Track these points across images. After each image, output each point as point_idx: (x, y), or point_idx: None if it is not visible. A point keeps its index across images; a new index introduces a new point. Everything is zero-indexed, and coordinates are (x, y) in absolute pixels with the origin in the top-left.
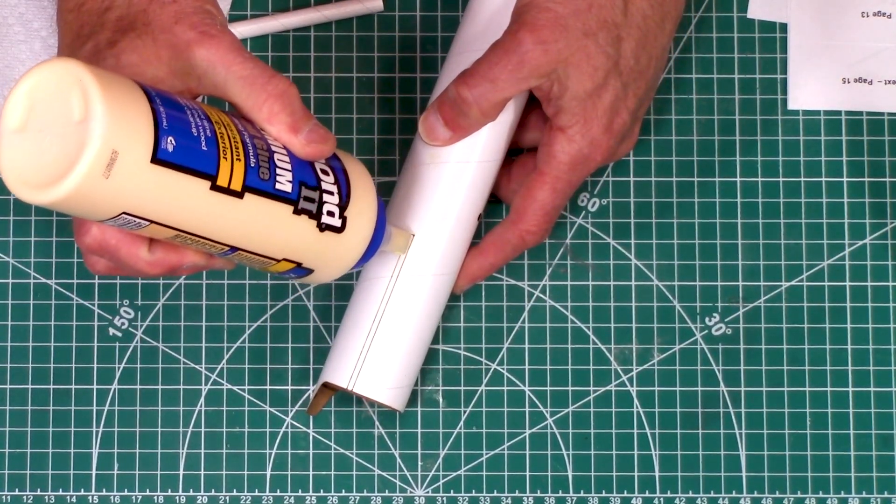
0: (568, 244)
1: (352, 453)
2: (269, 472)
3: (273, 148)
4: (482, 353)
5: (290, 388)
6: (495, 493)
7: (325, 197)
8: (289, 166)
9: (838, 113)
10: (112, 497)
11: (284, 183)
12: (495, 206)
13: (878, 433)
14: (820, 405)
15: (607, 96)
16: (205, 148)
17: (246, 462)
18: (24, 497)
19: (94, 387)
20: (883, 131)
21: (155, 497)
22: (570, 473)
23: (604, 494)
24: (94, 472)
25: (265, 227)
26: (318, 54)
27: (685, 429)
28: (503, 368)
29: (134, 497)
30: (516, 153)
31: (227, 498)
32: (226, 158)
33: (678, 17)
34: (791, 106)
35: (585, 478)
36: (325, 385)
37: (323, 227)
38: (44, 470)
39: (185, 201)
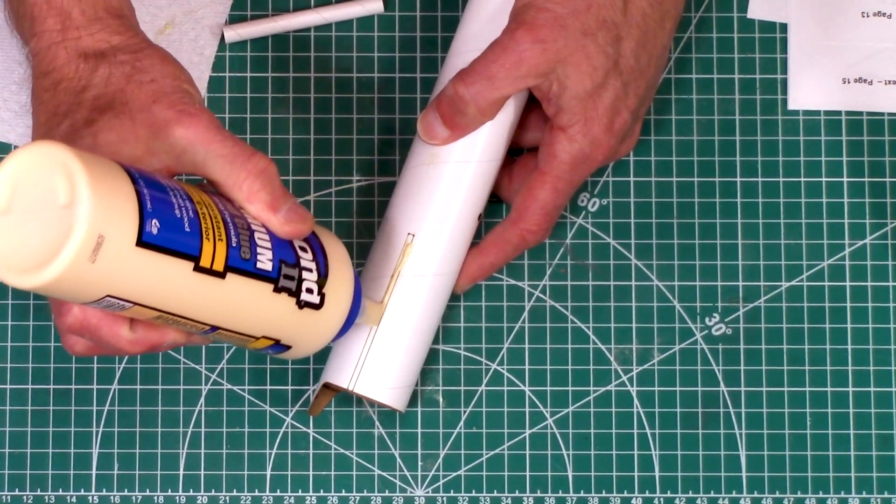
0: (568, 244)
1: (352, 453)
2: (269, 472)
3: (253, 226)
4: (482, 353)
5: (290, 388)
6: (495, 493)
7: (305, 274)
8: (269, 244)
9: (838, 113)
10: (112, 497)
11: (265, 262)
12: (495, 206)
13: (878, 433)
14: (820, 405)
15: (608, 95)
16: (188, 229)
17: (246, 462)
18: (24, 497)
19: (94, 387)
20: (883, 131)
21: (155, 497)
22: (570, 473)
23: (604, 494)
24: (94, 472)
25: (246, 306)
26: (318, 54)
27: (685, 429)
28: (503, 368)
29: (134, 497)
30: (517, 153)
31: (227, 498)
32: (208, 239)
33: (678, 16)
34: (791, 106)
35: (585, 478)
36: (326, 385)
37: (302, 305)
38: (44, 470)
39: (169, 283)
